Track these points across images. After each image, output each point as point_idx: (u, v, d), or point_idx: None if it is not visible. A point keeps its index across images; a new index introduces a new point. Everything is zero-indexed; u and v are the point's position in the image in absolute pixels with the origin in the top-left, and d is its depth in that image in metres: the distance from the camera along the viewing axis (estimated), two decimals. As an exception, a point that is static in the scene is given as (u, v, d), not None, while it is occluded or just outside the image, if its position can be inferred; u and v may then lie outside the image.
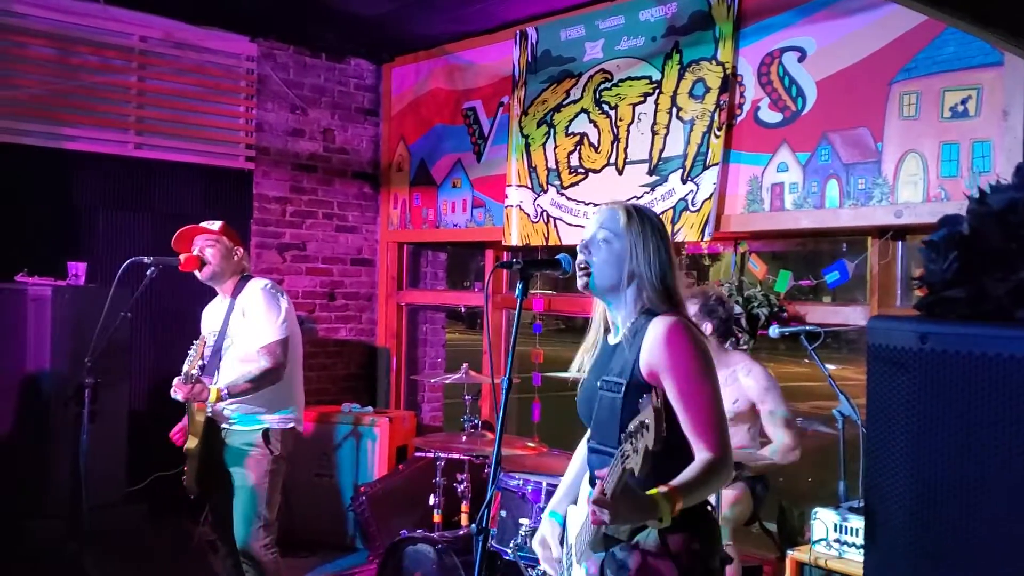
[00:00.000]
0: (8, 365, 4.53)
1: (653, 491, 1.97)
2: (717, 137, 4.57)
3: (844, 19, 4.18)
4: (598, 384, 2.28)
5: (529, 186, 5.55)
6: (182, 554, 4.59)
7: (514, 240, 5.61)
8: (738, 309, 4.31)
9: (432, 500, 4.63)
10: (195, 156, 5.89)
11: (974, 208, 1.75)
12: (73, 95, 5.38)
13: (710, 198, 4.55)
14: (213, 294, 4.11)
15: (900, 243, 4.24)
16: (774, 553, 4.25)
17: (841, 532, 3.33)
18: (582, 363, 2.43)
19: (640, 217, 2.30)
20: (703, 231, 4.56)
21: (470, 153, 6.08)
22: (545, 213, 5.44)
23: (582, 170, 5.26)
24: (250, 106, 6.16)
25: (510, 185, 5.66)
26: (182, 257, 3.90)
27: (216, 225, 4.00)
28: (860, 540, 3.19)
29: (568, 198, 5.32)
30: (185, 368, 3.73)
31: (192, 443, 3.88)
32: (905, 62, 3.94)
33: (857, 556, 3.22)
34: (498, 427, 2.25)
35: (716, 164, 4.56)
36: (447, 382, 4.99)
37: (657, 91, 4.90)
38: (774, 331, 3.96)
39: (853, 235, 4.49)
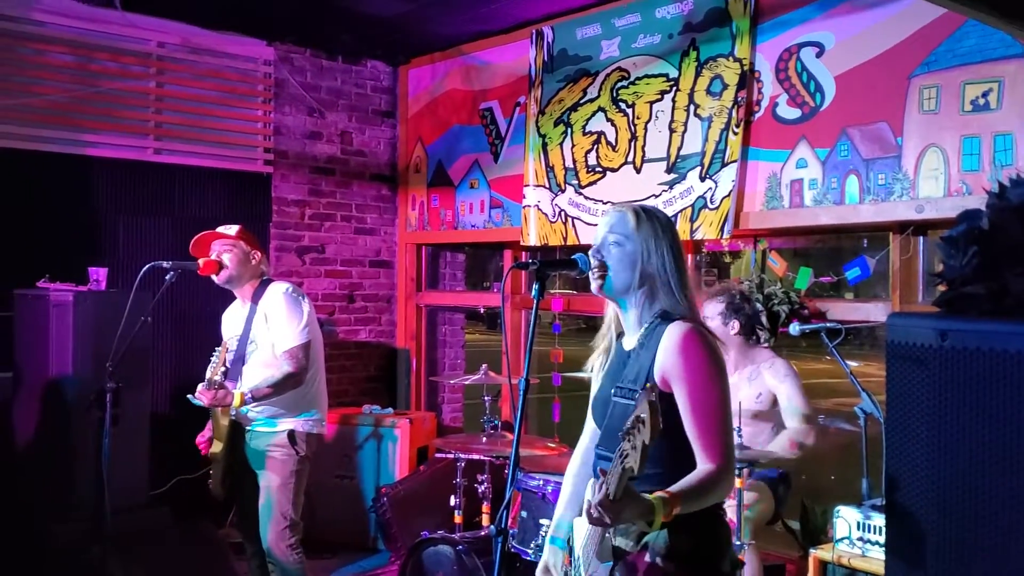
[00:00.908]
0: (31, 370, 4.58)
1: (652, 496, 1.96)
2: (735, 134, 4.54)
3: (863, 13, 4.15)
4: (612, 391, 2.27)
5: (547, 186, 5.54)
6: (205, 556, 4.60)
7: (532, 240, 5.60)
8: (759, 307, 4.28)
9: (453, 501, 4.63)
10: (214, 160, 5.93)
11: (993, 202, 1.72)
12: (92, 101, 5.43)
13: (729, 195, 4.53)
14: (233, 298, 4.14)
15: (921, 238, 4.20)
16: (797, 552, 4.22)
17: (864, 530, 3.29)
18: (593, 365, 2.43)
19: (650, 218, 2.29)
20: (722, 228, 4.54)
21: (487, 153, 6.08)
22: (563, 213, 5.42)
23: (600, 169, 5.24)
24: (268, 110, 6.19)
25: (528, 185, 5.66)
26: (200, 262, 3.92)
27: (233, 230, 4.02)
28: (883, 538, 3.16)
29: (586, 197, 5.31)
30: (208, 374, 3.76)
31: (217, 447, 3.91)
32: (925, 56, 3.90)
33: (880, 554, 3.17)
34: (516, 428, 2.26)
35: (734, 161, 4.53)
36: (466, 383, 4.99)
37: (674, 88, 4.88)
38: (794, 328, 3.91)
39: (874, 231, 4.45)
